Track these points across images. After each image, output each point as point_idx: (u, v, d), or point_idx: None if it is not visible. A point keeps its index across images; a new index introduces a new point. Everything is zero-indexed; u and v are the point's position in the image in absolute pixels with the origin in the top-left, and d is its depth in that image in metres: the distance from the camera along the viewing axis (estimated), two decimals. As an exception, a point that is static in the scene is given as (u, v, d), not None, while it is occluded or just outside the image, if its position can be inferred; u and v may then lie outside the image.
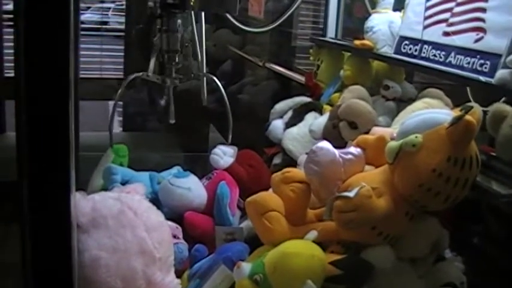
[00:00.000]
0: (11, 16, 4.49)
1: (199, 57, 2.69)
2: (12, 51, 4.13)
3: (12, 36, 4.20)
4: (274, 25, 3.19)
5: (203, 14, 2.57)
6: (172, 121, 2.65)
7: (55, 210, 1.40)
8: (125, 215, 1.86)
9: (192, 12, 2.55)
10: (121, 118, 5.21)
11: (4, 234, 3.10)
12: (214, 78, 2.76)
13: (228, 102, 2.72)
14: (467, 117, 1.58)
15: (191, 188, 2.36)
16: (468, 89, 2.20)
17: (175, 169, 2.60)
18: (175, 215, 2.27)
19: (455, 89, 2.28)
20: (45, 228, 1.41)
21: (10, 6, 5.03)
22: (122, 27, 5.01)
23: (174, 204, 2.32)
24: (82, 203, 1.82)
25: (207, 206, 2.38)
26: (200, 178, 2.48)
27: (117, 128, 5.66)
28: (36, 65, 1.32)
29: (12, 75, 4.22)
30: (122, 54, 4.84)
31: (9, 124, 4.40)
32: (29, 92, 1.34)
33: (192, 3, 2.40)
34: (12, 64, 4.17)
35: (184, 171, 2.47)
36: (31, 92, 1.34)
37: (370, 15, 2.69)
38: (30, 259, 1.41)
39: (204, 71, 2.68)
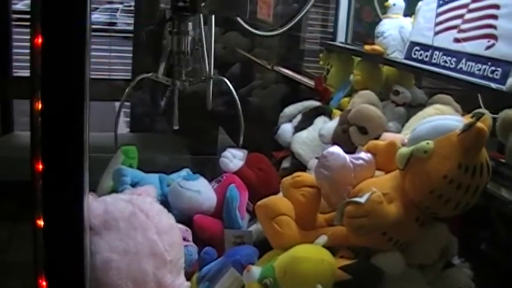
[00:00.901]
0: (20, 16, 4.51)
1: (207, 60, 2.69)
2: (20, 50, 4.16)
3: (20, 36, 4.22)
4: (285, 29, 3.19)
5: (213, 17, 2.58)
6: (175, 127, 2.66)
7: (68, 211, 1.41)
8: (137, 218, 1.87)
9: (201, 15, 2.56)
10: (128, 119, 5.22)
11: (10, 233, 3.12)
12: (226, 81, 2.77)
13: (239, 105, 2.71)
14: (479, 124, 1.58)
15: (201, 191, 2.37)
16: (480, 96, 2.20)
17: (185, 171, 2.61)
18: (184, 217, 2.28)
19: (463, 95, 2.28)
20: (58, 230, 1.42)
21: (19, 6, 5.06)
22: (131, 28, 5.03)
23: (183, 207, 2.33)
24: (94, 205, 1.83)
25: (217, 209, 2.39)
26: (209, 181, 2.49)
27: (124, 129, 5.67)
28: (52, 65, 1.33)
29: (20, 75, 4.24)
30: (130, 55, 4.85)
31: (17, 123, 4.43)
32: (43, 92, 1.35)
33: (203, 7, 2.41)
34: (20, 64, 4.20)
35: (193, 174, 2.48)
36: (46, 93, 1.35)
37: (380, 20, 2.69)
38: (43, 260, 1.42)
39: (212, 75, 2.68)
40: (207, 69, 2.70)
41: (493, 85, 1.96)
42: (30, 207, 1.45)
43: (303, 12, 3.11)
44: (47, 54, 1.32)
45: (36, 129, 1.36)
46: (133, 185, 2.36)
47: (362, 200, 1.64)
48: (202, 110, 2.81)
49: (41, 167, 1.37)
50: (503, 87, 1.90)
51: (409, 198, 1.70)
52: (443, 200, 1.63)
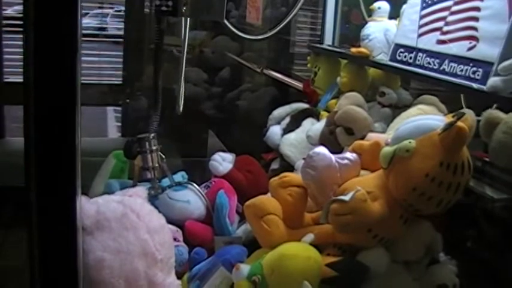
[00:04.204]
0: (9, 22, 4.51)
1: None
2: (9, 56, 4.17)
3: (9, 42, 4.23)
4: (273, 32, 3.23)
5: (188, 21, 2.62)
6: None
7: (61, 212, 1.44)
8: (128, 218, 1.90)
9: (187, 20, 2.60)
10: (120, 124, 5.24)
11: (3, 239, 3.13)
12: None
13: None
14: (459, 123, 1.62)
15: (190, 201, 2.40)
16: (462, 96, 2.24)
17: (180, 174, 2.63)
18: (175, 224, 2.32)
19: (452, 95, 2.31)
20: (52, 231, 1.44)
21: (9, 12, 5.06)
22: (121, 33, 5.03)
23: (174, 218, 2.35)
24: (87, 206, 1.86)
25: (207, 215, 2.43)
26: (199, 184, 2.52)
27: (115, 134, 5.68)
28: (45, 71, 1.36)
29: (10, 80, 4.25)
30: (121, 60, 4.86)
31: (8, 129, 4.43)
32: (36, 97, 1.37)
33: (183, 11, 2.46)
34: (10, 69, 4.21)
35: (183, 183, 2.49)
36: (39, 98, 1.38)
37: (366, 22, 2.73)
38: (37, 260, 1.45)
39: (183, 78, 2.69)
40: (183, 73, 2.72)
41: (475, 85, 2.00)
42: (22, 213, 1.48)
43: (291, 16, 3.15)
44: (40, 60, 1.35)
45: (29, 133, 1.39)
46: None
47: (346, 198, 1.67)
48: (192, 113, 2.83)
49: (34, 169, 1.39)
50: (484, 88, 1.93)
51: (393, 196, 1.73)
52: (425, 197, 1.66)
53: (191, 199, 2.43)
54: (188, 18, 2.55)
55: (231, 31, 3.08)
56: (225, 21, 2.91)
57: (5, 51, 4.40)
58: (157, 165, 2.49)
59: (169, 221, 2.29)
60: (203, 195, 2.45)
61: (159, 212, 2.31)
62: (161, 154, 2.52)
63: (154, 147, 2.50)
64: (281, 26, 3.21)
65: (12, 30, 4.45)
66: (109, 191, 2.36)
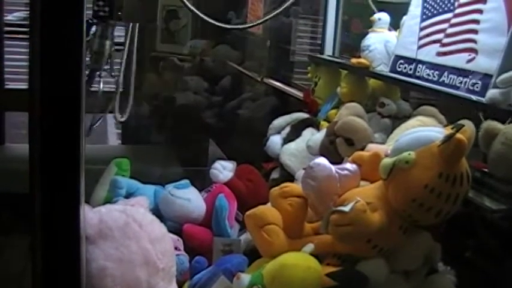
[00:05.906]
0: (10, 28, 4.52)
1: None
2: (11, 63, 4.17)
3: (10, 49, 4.23)
4: (256, 23, 3.21)
5: (137, 26, 2.69)
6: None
7: (65, 221, 1.45)
8: (130, 227, 1.92)
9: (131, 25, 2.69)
10: (120, 131, 5.24)
11: (3, 245, 3.13)
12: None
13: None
14: (458, 135, 1.63)
15: (191, 199, 2.43)
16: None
17: (184, 182, 2.65)
18: (175, 225, 2.35)
19: (452, 105, 2.32)
20: (55, 239, 1.46)
21: (10, 18, 5.07)
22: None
23: (174, 215, 2.39)
24: (90, 215, 1.87)
25: (206, 218, 2.45)
26: (199, 191, 2.54)
27: (115, 141, 5.67)
28: (51, 78, 1.38)
29: (11, 87, 4.25)
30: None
31: (8, 136, 4.42)
32: (42, 105, 1.39)
33: (120, 14, 2.54)
34: (12, 76, 4.21)
35: (186, 183, 2.52)
36: (45, 105, 1.39)
37: (367, 33, 2.74)
38: (41, 268, 1.46)
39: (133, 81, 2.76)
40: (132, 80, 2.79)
41: (474, 97, 2.02)
42: (22, 219, 1.49)
43: (276, 12, 3.10)
44: (46, 67, 1.36)
45: (34, 141, 1.41)
46: (128, 195, 2.40)
47: (346, 208, 1.69)
48: (193, 122, 2.86)
49: (39, 178, 1.41)
50: (483, 100, 1.95)
51: (392, 207, 1.75)
52: (424, 208, 1.68)
53: (192, 198, 2.46)
54: (131, 24, 2.63)
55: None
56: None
57: (6, 57, 4.40)
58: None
59: (169, 219, 2.36)
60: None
61: (159, 208, 2.37)
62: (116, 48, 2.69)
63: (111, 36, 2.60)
64: (267, 18, 3.21)
65: (13, 36, 4.44)
66: (117, 187, 2.43)
